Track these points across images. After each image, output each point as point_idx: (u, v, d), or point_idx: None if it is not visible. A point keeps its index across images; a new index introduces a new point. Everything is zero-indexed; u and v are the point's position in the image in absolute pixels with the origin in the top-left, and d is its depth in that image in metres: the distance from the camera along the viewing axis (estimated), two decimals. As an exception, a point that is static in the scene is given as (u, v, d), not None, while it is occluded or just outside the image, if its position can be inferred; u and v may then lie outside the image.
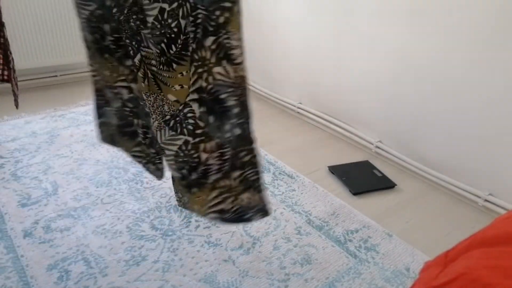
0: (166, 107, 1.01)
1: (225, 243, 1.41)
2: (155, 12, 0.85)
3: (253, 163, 1.08)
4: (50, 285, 1.20)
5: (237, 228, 1.48)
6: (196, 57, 0.93)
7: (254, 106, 2.59)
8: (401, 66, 1.82)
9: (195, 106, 0.99)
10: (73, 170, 1.77)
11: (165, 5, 0.83)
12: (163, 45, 0.89)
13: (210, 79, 0.97)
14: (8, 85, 1.80)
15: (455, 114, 1.68)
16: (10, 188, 1.62)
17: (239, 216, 1.13)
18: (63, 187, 1.65)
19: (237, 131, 1.02)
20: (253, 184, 1.10)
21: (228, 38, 0.93)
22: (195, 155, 1.04)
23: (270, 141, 2.15)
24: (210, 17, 0.89)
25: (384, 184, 1.81)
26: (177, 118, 1.01)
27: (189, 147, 1.03)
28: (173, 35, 0.88)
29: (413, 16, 1.70)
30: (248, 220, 1.14)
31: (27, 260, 1.28)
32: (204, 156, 1.05)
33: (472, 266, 0.49)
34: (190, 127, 1.01)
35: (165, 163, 1.22)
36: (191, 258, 1.34)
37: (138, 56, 1.00)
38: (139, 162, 1.32)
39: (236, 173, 1.08)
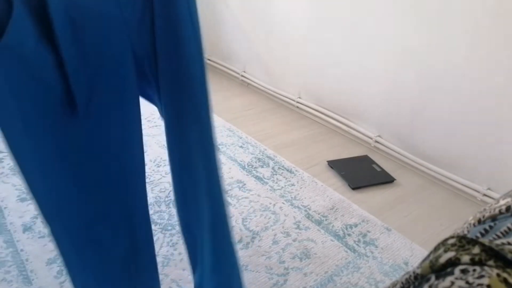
0: None
1: (224, 237, 1.41)
2: None
3: None
4: (50, 279, 1.20)
5: (236, 223, 1.48)
6: None
7: (253, 100, 2.59)
8: (401, 60, 1.81)
9: None
10: (72, 164, 1.77)
11: None
12: None
13: None
14: None
15: (454, 109, 1.67)
16: (9, 183, 1.62)
17: None
18: (62, 182, 1.65)
19: None
20: None
21: None
22: None
23: (269, 136, 2.15)
24: None
25: (383, 179, 1.81)
26: None
27: None
28: None
29: (413, 11, 1.69)
30: None
31: (26, 254, 1.29)
32: None
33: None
34: None
35: None
36: (191, 252, 1.34)
37: None
38: None
39: None
